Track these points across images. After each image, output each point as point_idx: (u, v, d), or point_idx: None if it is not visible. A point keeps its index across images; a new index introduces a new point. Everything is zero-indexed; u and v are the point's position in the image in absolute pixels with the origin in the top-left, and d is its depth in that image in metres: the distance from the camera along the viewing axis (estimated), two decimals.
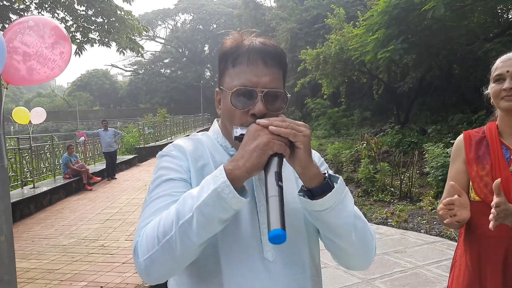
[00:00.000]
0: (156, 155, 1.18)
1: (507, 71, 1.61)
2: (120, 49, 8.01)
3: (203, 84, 56.82)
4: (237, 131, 1.01)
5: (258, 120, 0.98)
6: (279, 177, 0.91)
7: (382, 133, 15.77)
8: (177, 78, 59.17)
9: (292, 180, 1.13)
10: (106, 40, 7.65)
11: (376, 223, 6.62)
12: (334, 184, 1.00)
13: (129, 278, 4.56)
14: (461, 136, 1.80)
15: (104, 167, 13.05)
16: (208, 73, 64.64)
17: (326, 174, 1.01)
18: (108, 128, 12.95)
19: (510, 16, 15.77)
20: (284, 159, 0.95)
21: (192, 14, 59.08)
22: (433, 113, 16.62)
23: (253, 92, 1.04)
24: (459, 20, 12.97)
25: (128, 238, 6.20)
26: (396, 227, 6.37)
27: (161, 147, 19.53)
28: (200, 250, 0.96)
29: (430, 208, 6.91)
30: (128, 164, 15.58)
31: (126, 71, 64.67)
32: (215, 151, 1.14)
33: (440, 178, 7.51)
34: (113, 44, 7.90)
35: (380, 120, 20.17)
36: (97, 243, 6.06)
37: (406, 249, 5.28)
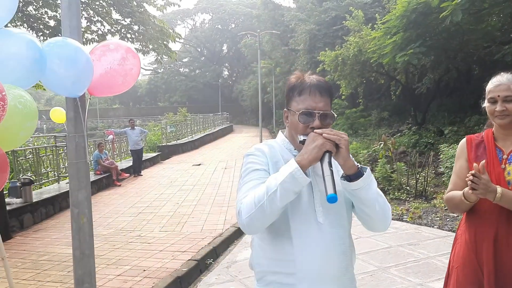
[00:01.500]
0: (244, 155, 1.72)
1: (498, 96, 2.06)
2: (159, 57, 8.56)
3: (221, 83, 57.53)
4: (301, 137, 1.56)
5: (316, 130, 1.53)
6: (330, 164, 1.45)
7: (399, 134, 16.08)
8: (195, 77, 60.02)
9: (335, 173, 1.63)
10: (147, 49, 8.21)
11: (392, 219, 7.02)
12: (364, 172, 1.52)
13: (168, 263, 5.08)
14: (464, 140, 2.26)
15: (130, 164, 13.68)
16: (226, 72, 65.36)
17: (359, 166, 1.54)
18: (135, 127, 13.59)
19: None
20: (332, 155, 1.48)
21: (211, 14, 59.83)
22: (450, 114, 16.86)
23: (313, 113, 1.58)
24: (476, 24, 13.21)
25: (162, 229, 6.75)
26: (410, 223, 6.78)
27: (182, 145, 20.07)
28: (280, 212, 1.48)
29: (443, 205, 7.30)
30: (152, 162, 16.21)
31: (145, 69, 65.76)
32: (283, 152, 1.68)
33: None
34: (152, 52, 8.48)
35: (398, 121, 20.44)
36: (134, 233, 6.62)
37: (420, 242, 5.71)
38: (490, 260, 2.05)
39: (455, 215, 6.86)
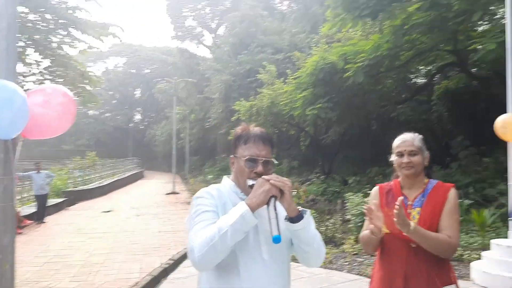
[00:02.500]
0: (193, 197, 1.87)
1: (405, 150, 2.47)
2: (84, 104, 8.34)
3: (132, 127, 56.29)
4: (250, 182, 1.77)
5: (263, 176, 1.73)
6: (275, 208, 1.67)
7: (308, 182, 16.91)
8: (105, 120, 58.13)
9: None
10: (76, 97, 7.98)
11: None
12: (304, 214, 1.76)
13: None
14: (376, 188, 2.63)
15: (34, 210, 12.76)
16: (138, 116, 64.20)
17: (300, 208, 1.77)
18: (41, 171, 12.81)
19: (416, 84, 18.08)
20: (276, 199, 1.70)
21: (126, 58, 59.19)
22: (353, 165, 18.19)
23: (257, 160, 1.80)
24: (375, 85, 14.73)
25: (72, 279, 6.38)
26: (323, 268, 7.14)
27: (90, 191, 19.10)
28: (230, 250, 1.65)
29: (351, 250, 7.81)
30: (57, 208, 15.22)
31: None
32: (230, 195, 1.87)
33: (359, 224, 8.50)
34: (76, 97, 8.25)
35: (307, 170, 21.48)
36: (41, 285, 6.18)
37: (331, 286, 6.05)
38: None
39: (361, 259, 7.37)
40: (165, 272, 6.65)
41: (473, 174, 11.47)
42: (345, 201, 10.44)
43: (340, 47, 13.73)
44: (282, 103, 15.50)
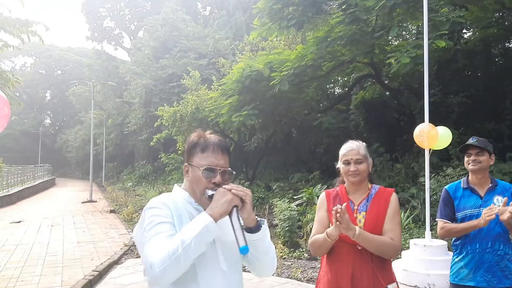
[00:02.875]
0: (143, 209, 1.74)
1: (351, 159, 2.58)
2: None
3: (42, 131, 52.73)
4: (210, 192, 1.69)
5: (224, 186, 1.67)
6: (238, 218, 1.63)
7: None
8: (11, 124, 53.69)
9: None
10: None
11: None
12: (262, 224, 1.75)
13: None
14: (323, 194, 2.72)
15: None
16: (49, 120, 60.32)
17: (258, 219, 1.75)
18: None
19: (336, 93, 19.00)
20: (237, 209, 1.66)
21: (35, 58, 55.37)
22: (276, 171, 18.60)
23: (215, 169, 1.74)
24: (298, 93, 15.24)
25: None
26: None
27: None
28: (192, 262, 1.57)
29: (281, 254, 7.97)
30: None
31: None
32: (184, 205, 1.77)
33: (287, 229, 8.71)
34: None
35: None
36: None
37: None
38: None
39: (289, 263, 7.54)
40: (90, 284, 6.30)
41: (387, 179, 12.26)
42: (272, 206, 10.62)
43: (265, 55, 14.03)
44: (207, 109, 15.44)
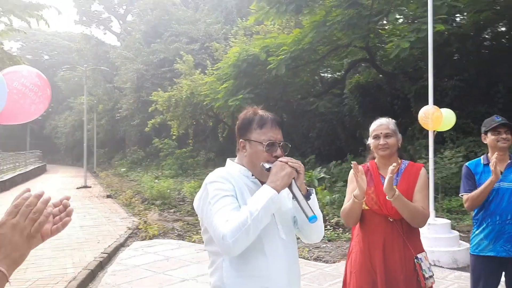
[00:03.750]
0: (204, 183, 1.81)
1: (381, 133, 2.70)
2: None
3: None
4: (267, 165, 1.79)
5: (280, 159, 1.78)
6: (299, 189, 1.74)
7: None
8: None
9: (285, 196, 1.93)
10: None
11: None
12: (312, 193, 1.86)
13: None
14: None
15: None
16: None
17: (308, 188, 1.86)
18: None
19: (329, 78, 19.12)
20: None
21: (21, 43, 54.28)
22: None
23: (276, 143, 1.85)
24: (293, 78, 15.34)
25: None
26: None
27: None
28: (258, 232, 1.68)
29: None
30: None
31: None
32: (242, 178, 1.86)
33: None
34: None
35: (224, 161, 21.55)
36: None
37: None
38: (381, 263, 2.60)
39: None
40: (101, 265, 6.40)
41: None
42: None
43: (261, 39, 14.05)
44: (203, 93, 15.46)
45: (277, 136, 1.85)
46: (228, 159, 1.99)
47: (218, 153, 23.23)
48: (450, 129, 7.06)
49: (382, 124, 2.75)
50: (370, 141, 2.80)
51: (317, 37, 11.76)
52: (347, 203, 2.72)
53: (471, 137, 11.63)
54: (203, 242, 6.88)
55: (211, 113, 18.88)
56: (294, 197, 1.74)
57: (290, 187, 1.74)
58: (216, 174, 1.82)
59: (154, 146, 24.27)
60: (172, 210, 11.85)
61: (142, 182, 17.11)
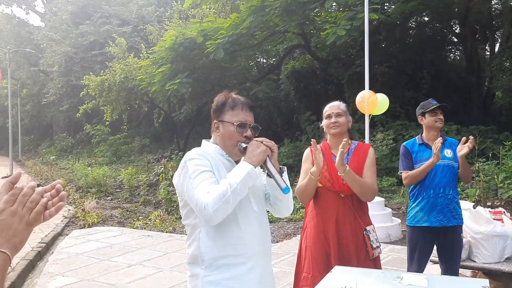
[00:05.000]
0: (183, 161, 1.90)
1: (332, 112, 2.87)
2: None
3: None
4: (243, 145, 1.91)
5: (256, 139, 1.90)
6: (273, 165, 1.88)
7: (166, 159, 16.85)
8: None
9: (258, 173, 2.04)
10: None
11: (181, 234, 7.53)
12: (284, 170, 1.98)
13: None
14: (308, 149, 2.99)
15: None
16: None
17: (280, 166, 1.98)
18: None
19: (265, 63, 19.36)
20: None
21: None
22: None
23: (246, 125, 1.95)
24: (230, 62, 15.38)
25: None
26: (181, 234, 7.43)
27: None
28: (236, 204, 1.79)
29: None
30: None
31: None
32: (217, 156, 1.97)
33: None
34: None
35: (159, 147, 21.32)
36: None
37: None
38: (334, 236, 2.79)
39: None
40: (39, 255, 6.15)
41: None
42: None
43: (198, 23, 13.90)
44: (139, 78, 15.05)
45: (247, 118, 1.96)
46: (203, 140, 2.09)
47: (153, 139, 22.82)
48: (379, 114, 7.52)
49: (333, 105, 2.93)
50: (323, 122, 2.96)
51: (255, 22, 11.85)
52: (302, 181, 2.88)
53: (399, 120, 12.41)
54: (145, 228, 6.82)
55: (146, 98, 18.44)
56: (269, 172, 1.88)
57: (265, 163, 1.88)
58: (194, 152, 1.92)
59: (85, 133, 23.31)
60: (109, 198, 11.57)
61: (74, 170, 16.44)
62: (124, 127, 19.97)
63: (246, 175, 1.79)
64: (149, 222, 8.18)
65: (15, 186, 1.02)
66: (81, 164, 17.62)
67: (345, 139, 2.64)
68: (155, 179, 11.80)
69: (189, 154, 1.91)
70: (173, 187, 7.82)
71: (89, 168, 15.97)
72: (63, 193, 1.10)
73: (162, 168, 10.60)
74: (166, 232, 7.54)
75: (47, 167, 18.99)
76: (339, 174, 2.68)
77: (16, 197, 1.00)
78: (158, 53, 14.28)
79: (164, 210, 9.56)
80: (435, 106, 3.38)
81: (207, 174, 1.84)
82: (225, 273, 1.86)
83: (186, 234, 1.98)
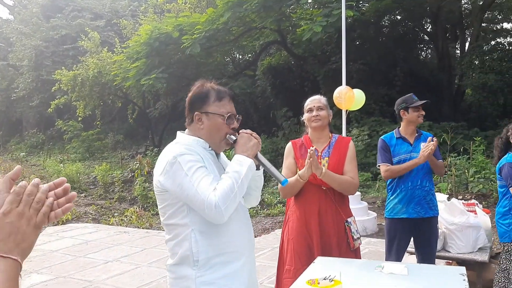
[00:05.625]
0: (172, 156, 1.77)
1: (314, 106, 2.91)
2: None
3: None
4: (233, 138, 1.88)
5: (245, 131, 1.90)
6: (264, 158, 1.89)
7: (141, 155, 16.65)
8: None
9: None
10: None
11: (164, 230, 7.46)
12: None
13: None
14: (290, 144, 3.02)
15: None
16: None
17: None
18: None
19: (241, 59, 19.33)
20: None
21: None
22: None
23: (234, 116, 1.92)
24: (206, 58, 15.29)
25: None
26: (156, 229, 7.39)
27: None
28: None
29: None
30: None
31: None
32: (201, 150, 1.88)
33: None
34: None
35: (133, 143, 21.01)
36: None
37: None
38: (316, 228, 2.82)
39: None
40: None
41: None
42: None
43: (174, 17, 13.76)
44: (113, 73, 14.79)
45: (233, 109, 1.92)
46: (179, 132, 1.99)
47: (127, 135, 22.44)
48: (355, 109, 7.63)
49: (315, 99, 2.97)
50: (304, 115, 2.99)
51: (233, 17, 11.82)
52: (285, 171, 2.91)
53: (373, 117, 12.61)
54: (121, 224, 6.67)
55: (120, 93, 18.14)
56: (263, 165, 1.89)
57: (256, 156, 1.87)
58: (181, 147, 1.81)
59: (56, 129, 22.75)
60: (82, 195, 11.35)
61: (46, 166, 16.06)
62: (97, 123, 19.61)
63: (248, 169, 1.77)
64: (125, 219, 8.09)
65: (20, 184, 0.93)
66: (53, 161, 17.23)
67: (312, 148, 2.66)
68: (130, 176, 11.65)
69: (175, 149, 1.80)
70: (149, 183, 7.80)
71: (62, 164, 15.64)
72: (73, 194, 1.01)
73: (138, 164, 10.48)
74: (143, 228, 7.47)
75: (17, 164, 18.47)
76: (318, 176, 2.71)
77: (21, 197, 0.92)
78: (133, 48, 14.05)
79: (140, 206, 9.46)
80: (422, 102, 3.47)
81: (203, 170, 1.76)
82: (219, 271, 1.80)
83: (169, 235, 1.86)
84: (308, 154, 2.63)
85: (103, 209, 9.41)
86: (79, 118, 18.52)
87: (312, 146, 2.88)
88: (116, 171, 12.34)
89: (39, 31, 23.14)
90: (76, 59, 19.87)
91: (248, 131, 1.90)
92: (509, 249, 3.34)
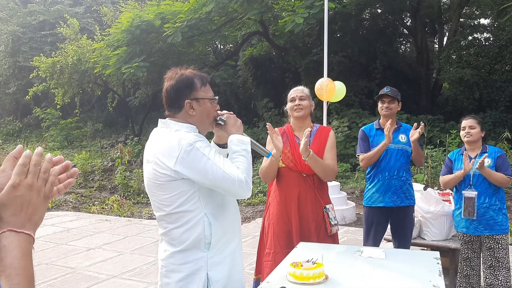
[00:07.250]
0: (187, 143, 1.79)
1: (296, 96, 2.99)
2: None
3: None
4: (224, 119, 2.00)
5: (228, 112, 2.02)
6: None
7: (121, 144, 16.53)
8: None
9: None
10: None
11: (145, 218, 7.52)
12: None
13: None
14: None
15: None
16: None
17: None
18: None
19: (223, 49, 19.28)
20: None
21: None
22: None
23: (216, 99, 2.01)
24: (188, 47, 15.21)
25: None
26: (148, 219, 7.44)
27: None
28: None
29: None
30: None
31: None
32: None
33: None
34: None
35: (113, 132, 20.80)
36: None
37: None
38: (296, 213, 2.93)
39: None
40: None
41: None
42: None
43: (155, 5, 13.64)
44: (92, 60, 14.60)
45: (213, 93, 2.02)
46: (169, 120, 1.96)
47: (106, 124, 22.20)
48: (336, 101, 7.76)
49: (298, 89, 3.06)
50: (287, 105, 3.08)
51: (216, 8, 11.78)
52: (265, 162, 3.00)
53: (353, 109, 12.80)
54: (102, 213, 6.71)
55: (99, 81, 17.91)
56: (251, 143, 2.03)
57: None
58: (191, 135, 1.84)
59: (34, 116, 22.35)
60: None
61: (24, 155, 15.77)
62: (77, 111, 19.34)
63: (249, 145, 1.96)
64: (106, 207, 8.09)
65: (24, 154, 0.90)
66: (30, 149, 16.66)
67: (308, 129, 2.76)
68: (110, 164, 11.59)
69: (187, 137, 1.82)
70: (130, 172, 7.78)
71: None
72: (75, 169, 1.00)
73: (118, 153, 10.43)
74: (125, 216, 7.49)
75: None
76: (303, 158, 2.81)
77: (28, 167, 0.88)
78: (114, 35, 13.88)
79: (121, 195, 9.45)
80: (382, 93, 3.60)
81: (217, 153, 1.87)
82: (225, 251, 1.92)
83: (175, 224, 1.86)
84: (305, 133, 2.71)
85: (83, 198, 9.38)
86: (58, 106, 18.24)
87: (292, 137, 2.98)
88: (96, 159, 12.26)
89: (15, 16, 22.56)
90: (54, 45, 19.49)
91: (229, 112, 2.04)
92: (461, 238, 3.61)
